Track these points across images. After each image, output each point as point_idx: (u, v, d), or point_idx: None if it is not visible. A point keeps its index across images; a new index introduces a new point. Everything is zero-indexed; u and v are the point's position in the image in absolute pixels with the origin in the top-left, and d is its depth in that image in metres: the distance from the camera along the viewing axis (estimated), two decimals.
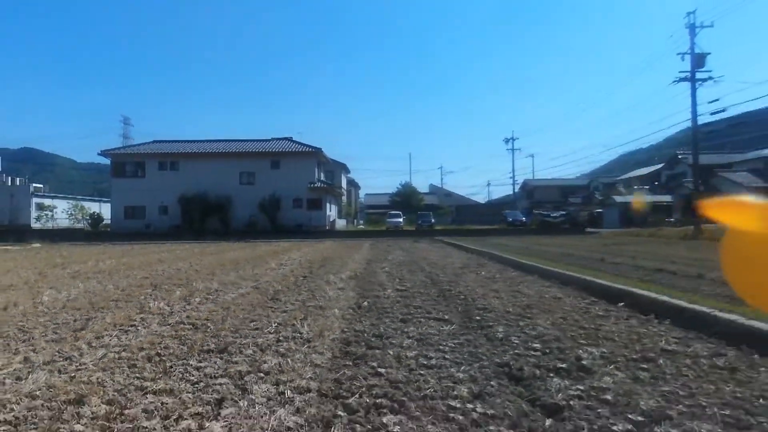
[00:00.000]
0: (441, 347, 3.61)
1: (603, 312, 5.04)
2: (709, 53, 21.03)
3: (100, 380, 2.87)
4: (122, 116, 73.86)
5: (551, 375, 2.94)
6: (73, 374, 3.01)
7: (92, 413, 2.38)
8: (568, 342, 3.75)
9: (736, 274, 0.95)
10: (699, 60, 20.77)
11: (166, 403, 2.50)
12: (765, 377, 2.88)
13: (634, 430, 2.18)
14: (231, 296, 6.30)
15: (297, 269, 9.89)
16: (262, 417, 2.33)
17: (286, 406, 2.47)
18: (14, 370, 3.12)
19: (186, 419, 2.32)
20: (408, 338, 3.93)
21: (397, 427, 2.22)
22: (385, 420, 2.30)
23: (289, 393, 2.64)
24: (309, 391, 2.70)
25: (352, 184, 54.28)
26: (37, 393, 2.67)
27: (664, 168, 46.56)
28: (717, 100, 21.03)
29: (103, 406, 2.47)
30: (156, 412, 2.39)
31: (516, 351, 3.49)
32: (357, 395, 2.62)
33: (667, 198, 37.54)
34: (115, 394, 2.65)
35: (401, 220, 37.16)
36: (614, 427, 2.19)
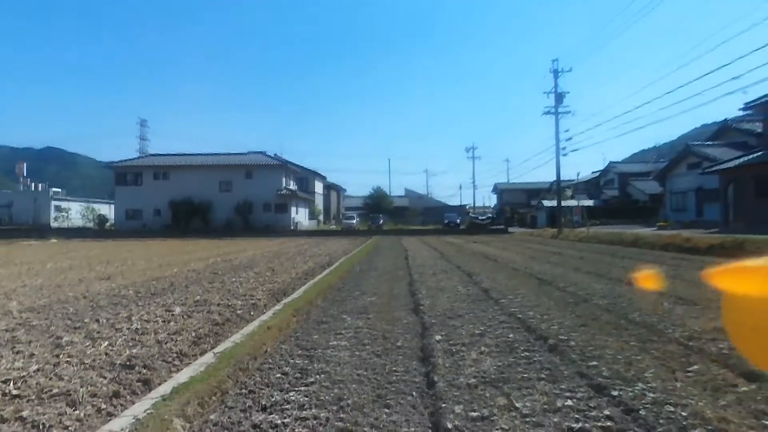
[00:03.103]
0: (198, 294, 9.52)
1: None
2: (568, 92, 26.78)
3: (61, 283, 8.84)
4: (139, 118, 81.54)
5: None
6: (54, 280, 8.99)
7: (56, 285, 8.35)
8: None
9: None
10: (560, 98, 26.16)
11: (81, 288, 8.44)
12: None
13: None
14: (142, 267, 12.26)
15: (206, 256, 15.81)
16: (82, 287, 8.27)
17: (106, 283, 8.40)
18: (33, 279, 9.12)
19: (84, 284, 8.27)
20: (175, 278, 9.83)
21: None
22: None
23: (115, 285, 8.55)
24: (108, 278, 8.60)
25: (333, 188, 60.41)
26: (41, 283, 8.65)
27: (601, 175, 52.04)
28: (568, 130, 26.44)
29: (66, 285, 8.44)
30: (77, 287, 8.33)
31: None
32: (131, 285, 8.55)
33: (589, 202, 42.80)
34: (69, 284, 8.61)
35: (354, 221, 43.40)
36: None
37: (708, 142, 28.96)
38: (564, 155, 26.32)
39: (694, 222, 25.83)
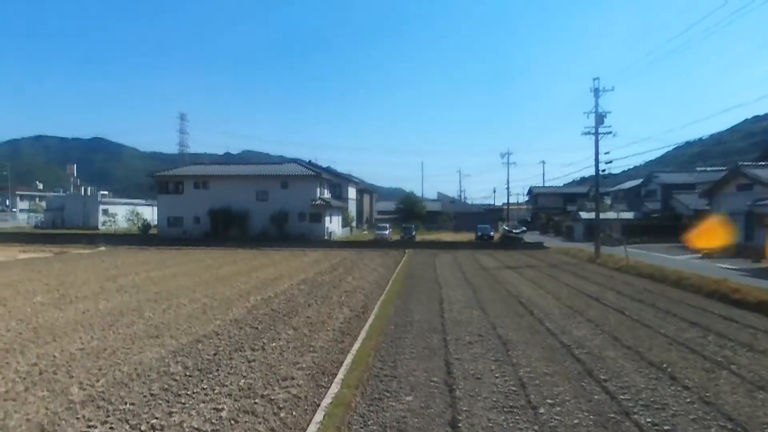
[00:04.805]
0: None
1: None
2: (610, 112, 25.46)
3: (115, 345, 9.39)
4: (179, 113, 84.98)
5: None
6: (108, 338, 9.56)
7: (111, 351, 8.88)
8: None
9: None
10: (600, 118, 25.20)
11: (135, 358, 8.96)
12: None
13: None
14: (187, 312, 12.81)
15: (244, 289, 16.31)
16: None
17: (156, 349, 8.86)
18: (89, 335, 9.72)
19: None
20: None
21: None
22: None
23: (164, 352, 9.01)
24: (157, 336, 9.06)
25: (366, 192, 60.80)
26: (97, 345, 9.22)
27: (642, 184, 49.93)
28: (608, 152, 25.55)
29: (120, 350, 8.98)
30: (129, 354, 8.84)
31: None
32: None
33: (629, 215, 41.26)
34: (122, 347, 9.15)
35: (387, 232, 42.95)
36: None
37: (760, 163, 27.49)
38: (603, 174, 25.50)
39: (742, 248, 24.67)
